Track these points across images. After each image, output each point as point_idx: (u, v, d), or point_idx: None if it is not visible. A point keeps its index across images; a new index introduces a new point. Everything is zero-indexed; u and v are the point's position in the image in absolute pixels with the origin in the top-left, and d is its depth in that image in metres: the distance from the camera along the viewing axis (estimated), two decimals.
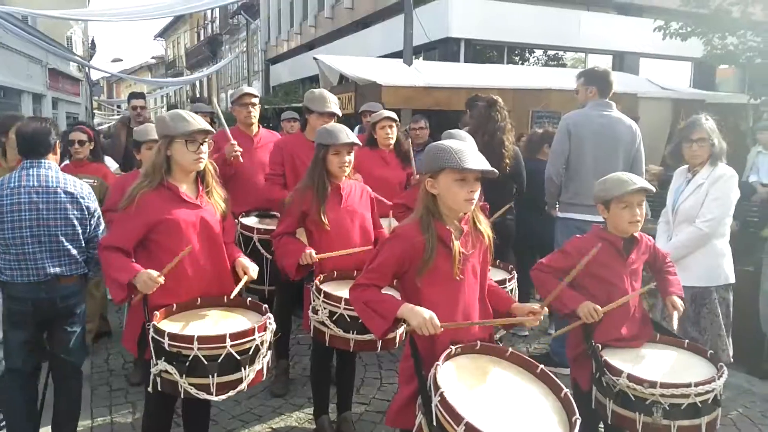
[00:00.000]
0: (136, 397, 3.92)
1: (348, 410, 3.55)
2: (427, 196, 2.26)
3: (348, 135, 3.21)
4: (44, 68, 17.22)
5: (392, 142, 4.58)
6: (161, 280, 2.49)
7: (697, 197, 3.51)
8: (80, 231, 3.10)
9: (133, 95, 6.49)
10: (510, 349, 2.22)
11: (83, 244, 3.14)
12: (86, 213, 3.11)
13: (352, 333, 2.87)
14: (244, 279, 2.81)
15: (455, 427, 1.77)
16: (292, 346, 4.60)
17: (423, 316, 2.11)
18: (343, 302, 2.84)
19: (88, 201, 3.13)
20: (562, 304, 2.63)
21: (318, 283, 3.02)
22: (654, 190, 2.66)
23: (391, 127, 4.58)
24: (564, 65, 16.89)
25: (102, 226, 3.24)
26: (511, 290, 3.45)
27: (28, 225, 2.95)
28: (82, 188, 3.14)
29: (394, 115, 4.66)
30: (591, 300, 2.60)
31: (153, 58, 54.55)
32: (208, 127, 2.68)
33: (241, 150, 4.14)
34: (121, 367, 4.48)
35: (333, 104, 3.92)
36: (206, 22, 39.27)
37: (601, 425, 2.94)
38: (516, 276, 3.58)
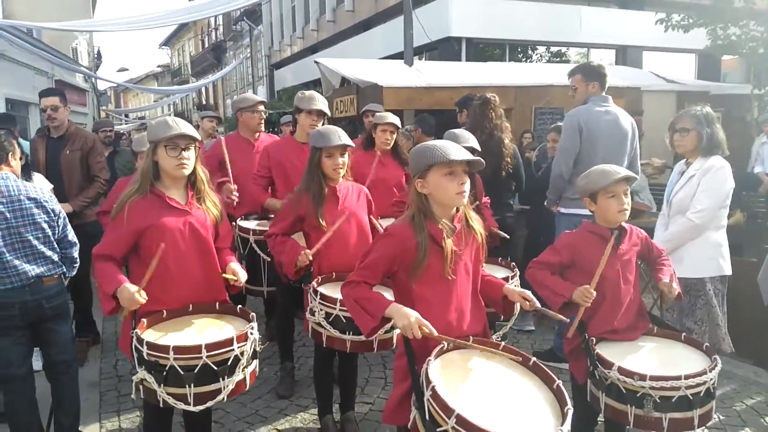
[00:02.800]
0: None
1: (351, 410, 3.57)
2: (418, 197, 2.28)
3: (340, 137, 3.22)
4: (50, 80, 17.29)
5: (389, 147, 4.66)
6: (142, 299, 2.48)
7: (688, 189, 3.50)
8: (50, 233, 3.19)
9: (42, 93, 4.85)
10: (502, 343, 2.23)
11: (56, 246, 3.24)
12: (53, 215, 3.21)
13: (348, 334, 2.88)
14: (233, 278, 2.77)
15: (447, 420, 1.79)
16: (297, 348, 4.63)
17: (409, 319, 2.11)
18: (338, 303, 2.85)
19: (52, 204, 3.23)
20: (557, 295, 2.64)
21: (315, 285, 3.04)
22: (638, 177, 2.67)
23: (392, 132, 4.69)
24: (567, 61, 16.82)
25: (69, 226, 3.33)
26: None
27: (0, 235, 3.02)
28: (44, 192, 3.24)
29: (398, 121, 4.74)
30: None
31: (159, 66, 54.81)
32: (192, 132, 2.64)
33: (237, 199, 4.29)
34: (129, 372, 4.50)
35: (321, 103, 3.98)
36: (210, 29, 39.46)
37: (601, 418, 2.95)
38: (518, 273, 3.57)
